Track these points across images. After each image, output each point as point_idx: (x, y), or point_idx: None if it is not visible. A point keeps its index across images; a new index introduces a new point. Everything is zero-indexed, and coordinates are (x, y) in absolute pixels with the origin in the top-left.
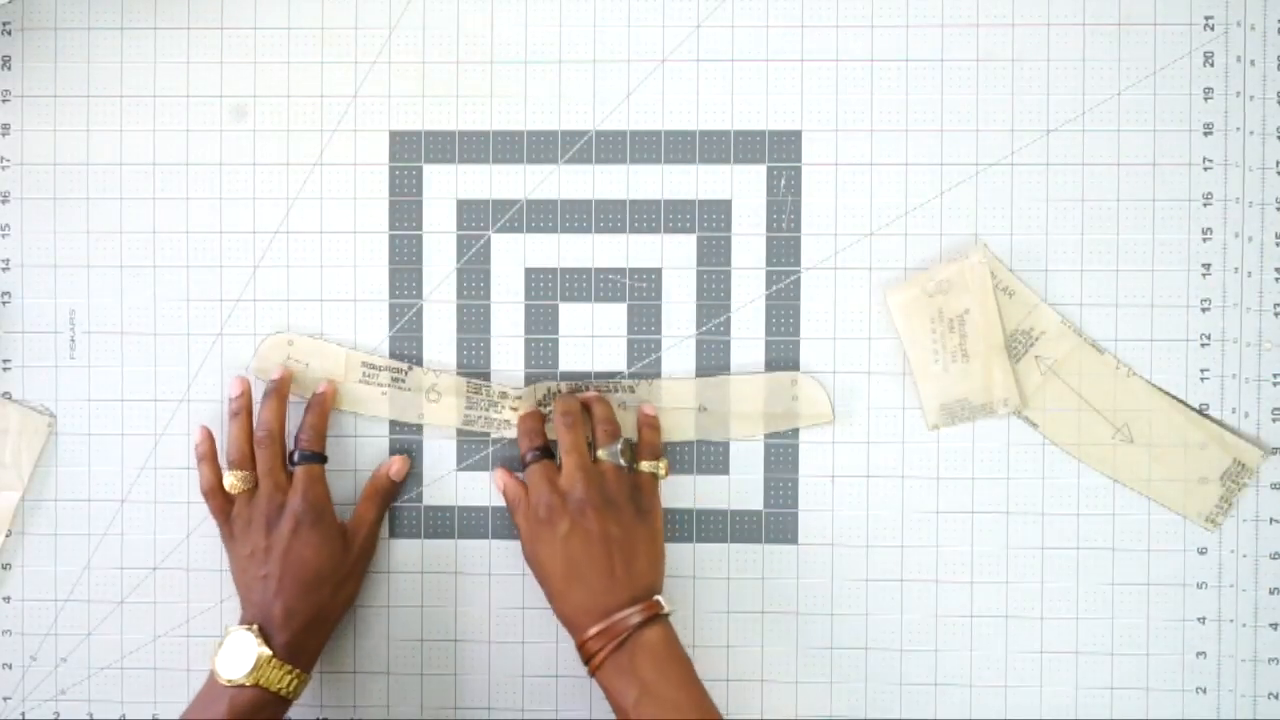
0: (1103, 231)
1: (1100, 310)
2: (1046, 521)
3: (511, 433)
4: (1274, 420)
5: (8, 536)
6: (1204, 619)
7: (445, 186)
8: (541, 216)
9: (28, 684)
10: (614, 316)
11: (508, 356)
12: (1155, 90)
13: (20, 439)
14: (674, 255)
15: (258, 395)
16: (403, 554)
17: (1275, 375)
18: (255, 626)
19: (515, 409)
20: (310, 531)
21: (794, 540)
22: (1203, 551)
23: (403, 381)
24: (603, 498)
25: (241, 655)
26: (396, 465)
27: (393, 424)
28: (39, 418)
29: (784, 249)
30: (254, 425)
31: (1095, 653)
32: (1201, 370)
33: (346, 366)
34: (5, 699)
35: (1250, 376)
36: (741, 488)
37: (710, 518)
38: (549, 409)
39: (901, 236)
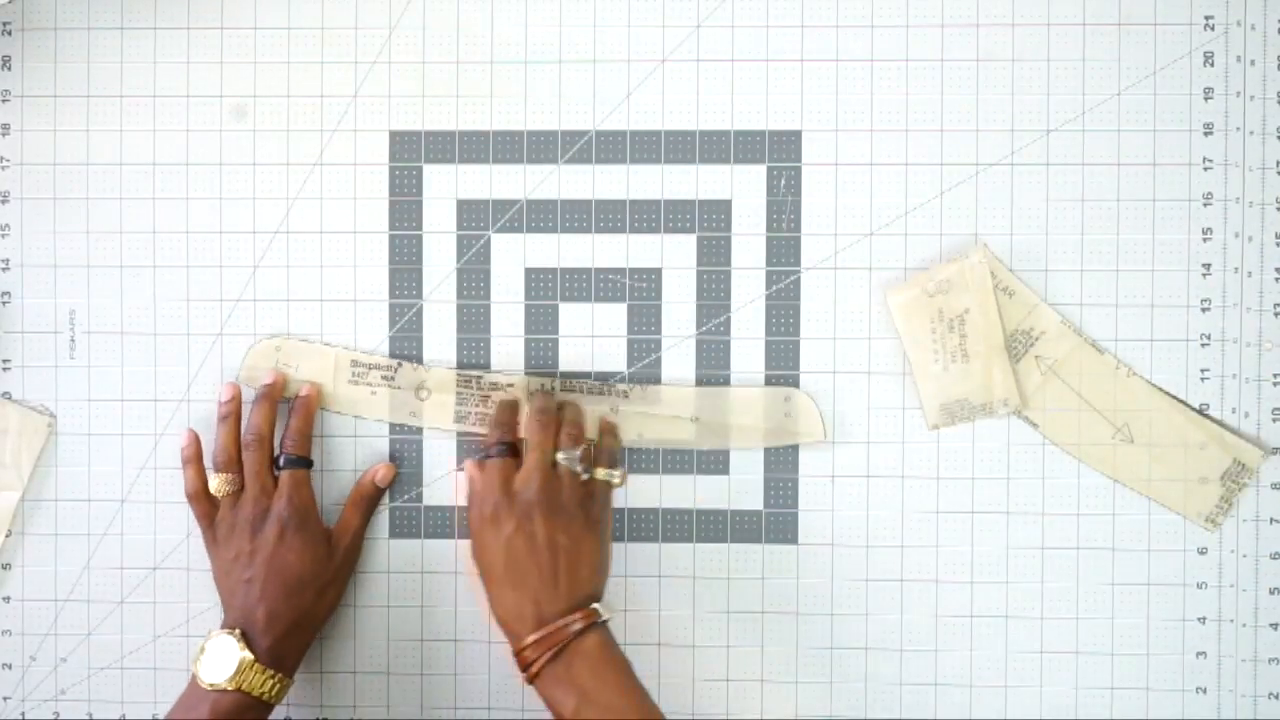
0: (1103, 231)
1: (1100, 310)
2: (1046, 521)
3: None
4: (1274, 420)
5: (8, 536)
6: (1204, 619)
7: (445, 186)
8: (541, 216)
9: (28, 684)
10: (614, 316)
11: (508, 357)
12: (1155, 90)
13: (20, 439)
14: (674, 255)
15: (248, 401)
16: (402, 554)
17: (1275, 375)
18: (238, 631)
19: None
20: (294, 536)
21: (794, 540)
22: (1203, 551)
23: (392, 380)
24: (554, 503)
25: (223, 659)
26: (382, 472)
27: (391, 424)
28: (39, 418)
29: (784, 249)
30: (243, 429)
31: (1095, 653)
32: (1201, 370)
33: (335, 367)
34: (5, 699)
35: (1250, 376)
36: (741, 488)
37: (710, 518)
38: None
39: (901, 236)
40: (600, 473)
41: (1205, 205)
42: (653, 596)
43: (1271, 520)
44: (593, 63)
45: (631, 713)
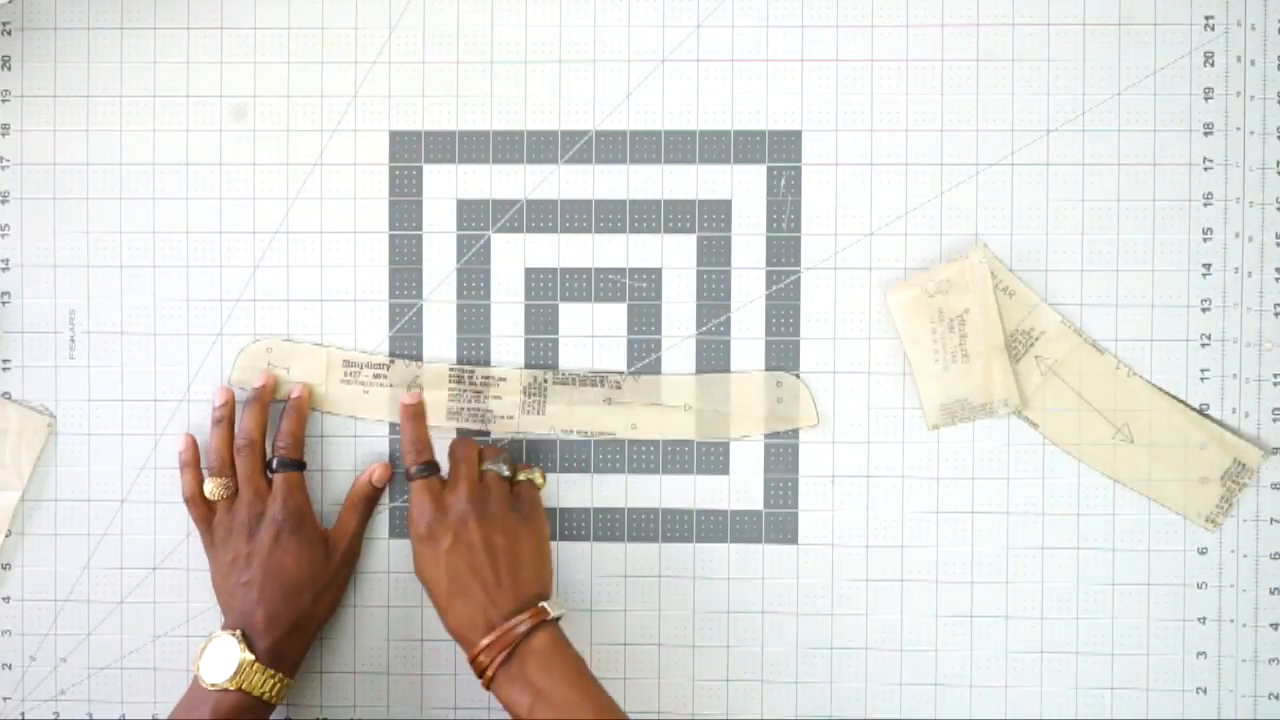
0: (1103, 231)
1: (1100, 310)
2: (1046, 521)
3: (511, 426)
4: (1274, 420)
5: (8, 536)
6: (1204, 619)
7: (445, 186)
8: (541, 216)
9: (27, 684)
10: (614, 316)
11: (508, 357)
12: (1155, 90)
13: (20, 439)
14: (674, 255)
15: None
16: (402, 554)
17: (1275, 375)
18: (238, 631)
19: (499, 397)
20: (290, 538)
21: (794, 540)
22: (1203, 551)
23: (385, 378)
24: (485, 509)
25: (224, 660)
26: (379, 472)
27: (391, 424)
28: (39, 418)
29: (784, 249)
30: (235, 432)
31: (1095, 653)
32: (1201, 370)
33: (328, 367)
34: (5, 699)
35: (1250, 376)
36: (741, 488)
37: (710, 518)
38: (532, 397)
39: (901, 236)
40: (522, 474)
41: (1205, 205)
42: (652, 596)
43: (1271, 520)
44: (593, 63)
45: (585, 707)
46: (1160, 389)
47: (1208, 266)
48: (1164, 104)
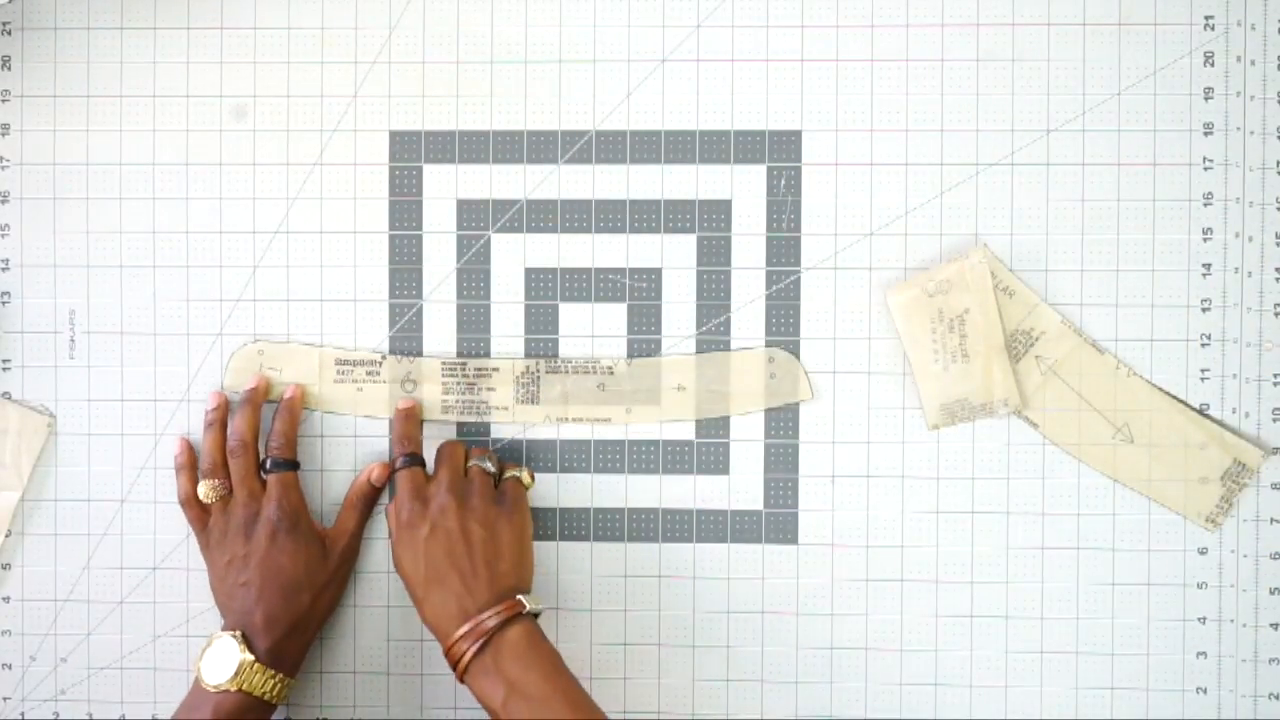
0: (1103, 231)
1: (1100, 310)
2: (1046, 521)
3: (506, 417)
4: (1274, 420)
5: (8, 536)
6: (1204, 619)
7: (445, 186)
8: (541, 216)
9: (27, 684)
10: (614, 316)
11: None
12: (1155, 90)
13: (20, 439)
14: (674, 255)
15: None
16: None
17: (1275, 375)
18: (238, 632)
19: (493, 389)
20: (286, 538)
21: (794, 540)
22: (1203, 551)
23: (378, 375)
24: (466, 500)
25: (224, 660)
26: (377, 471)
27: (390, 421)
28: (39, 418)
29: (784, 249)
30: (228, 434)
31: (1095, 653)
32: (1201, 370)
33: (320, 366)
34: (5, 699)
35: (1250, 376)
36: (741, 488)
37: (710, 518)
38: (526, 386)
39: (901, 236)
40: (509, 472)
41: (1205, 205)
42: (653, 596)
43: (1271, 520)
44: (593, 63)
45: (559, 700)
46: (1160, 389)
47: (1208, 266)
48: (1164, 104)
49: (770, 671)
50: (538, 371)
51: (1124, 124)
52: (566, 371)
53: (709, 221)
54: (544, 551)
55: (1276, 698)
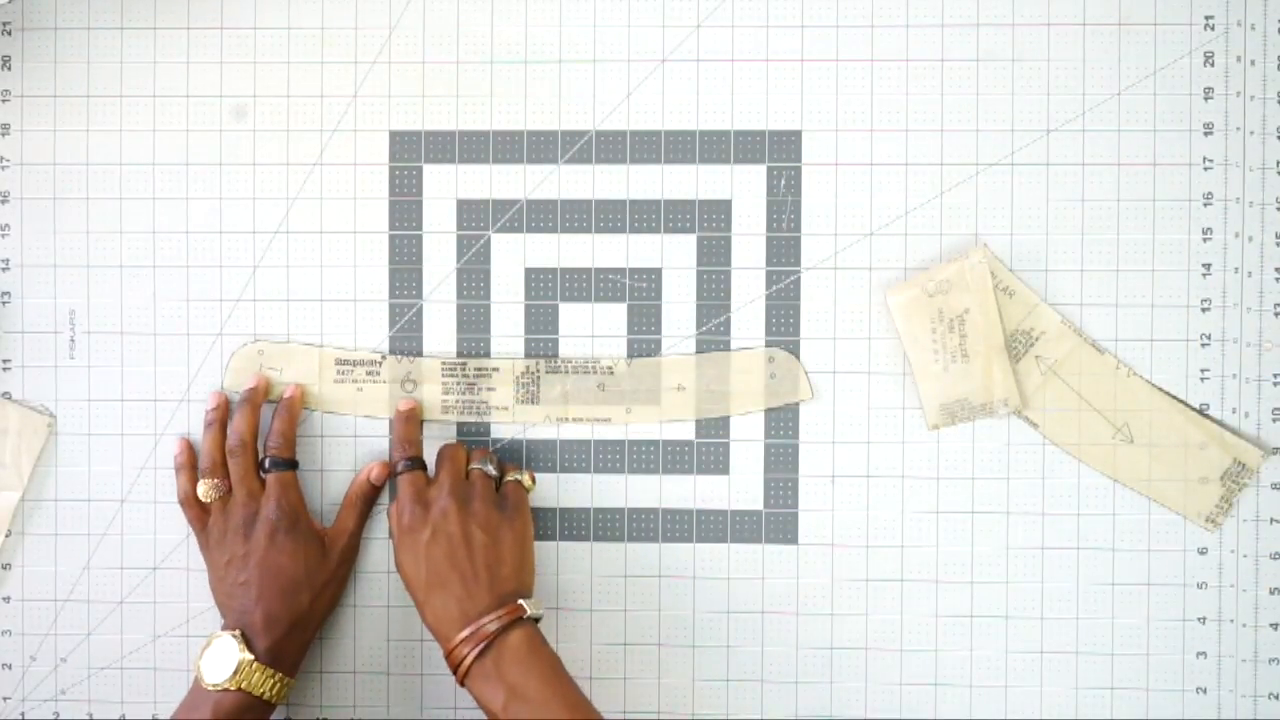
0: (1103, 231)
1: (1100, 310)
2: (1046, 521)
3: (507, 417)
4: (1274, 420)
5: (8, 536)
6: (1204, 619)
7: (445, 186)
8: (541, 216)
9: (28, 684)
10: (614, 316)
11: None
12: (1155, 90)
13: (20, 439)
14: (674, 255)
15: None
16: None
17: (1275, 375)
18: (238, 632)
19: (493, 389)
20: (285, 538)
21: (794, 540)
22: (1203, 551)
23: (378, 375)
24: (468, 503)
25: (224, 660)
26: (376, 470)
27: (390, 421)
28: (39, 418)
29: (784, 249)
30: (228, 434)
31: (1095, 653)
32: (1201, 370)
33: (320, 366)
34: (5, 699)
35: (1250, 376)
36: (741, 488)
37: (710, 518)
38: (526, 386)
39: (901, 236)
40: (511, 475)
41: (1205, 205)
42: (653, 596)
43: (1271, 520)
44: (593, 63)
45: (559, 705)
46: (1160, 389)
47: (1208, 266)
48: (1164, 104)
49: (770, 671)
50: (538, 371)
51: (1124, 124)
52: (566, 371)
53: (709, 221)
54: (544, 551)
55: (1276, 698)
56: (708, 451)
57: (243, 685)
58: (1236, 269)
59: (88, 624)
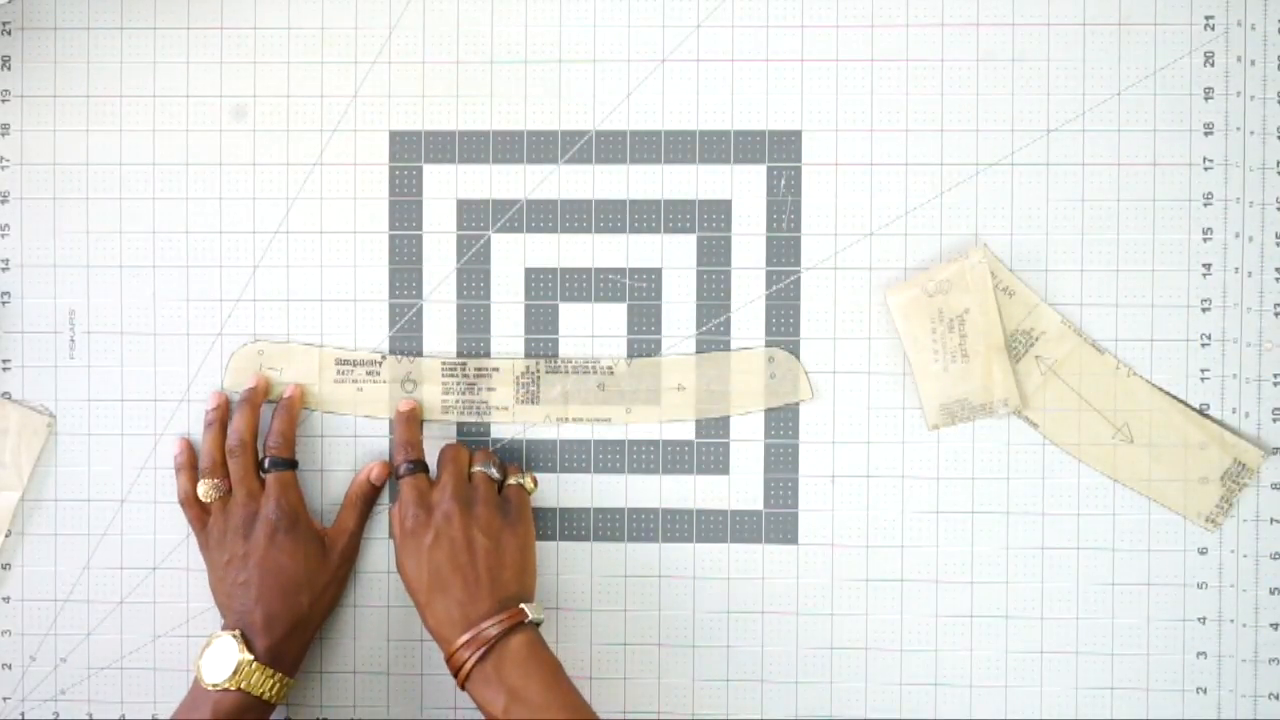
0: (1103, 231)
1: (1100, 310)
2: (1046, 521)
3: (506, 417)
4: (1274, 420)
5: (8, 536)
6: (1204, 619)
7: (445, 186)
8: (541, 216)
9: (27, 684)
10: (614, 316)
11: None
12: (1155, 90)
13: (20, 439)
14: (674, 255)
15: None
16: None
17: (1275, 375)
18: (238, 632)
19: (493, 389)
20: (285, 538)
21: (794, 540)
22: (1203, 551)
23: (378, 375)
24: (470, 507)
25: (224, 660)
26: (376, 470)
27: (390, 421)
28: (39, 418)
29: (784, 249)
30: (228, 434)
31: (1095, 653)
32: (1201, 370)
33: (320, 366)
34: (5, 699)
35: (1250, 376)
36: (741, 488)
37: (710, 518)
38: (526, 386)
39: (901, 236)
40: (512, 479)
41: (1205, 205)
42: (653, 596)
43: (1271, 520)
44: (593, 63)
45: (560, 709)
46: (1160, 389)
47: (1208, 266)
48: (1164, 104)
49: (770, 671)
50: (538, 371)
51: (1124, 124)
52: (566, 371)
53: (709, 221)
54: (544, 551)
55: (1276, 698)
56: (708, 451)
57: (242, 685)
58: (1236, 269)
59: (87, 624)
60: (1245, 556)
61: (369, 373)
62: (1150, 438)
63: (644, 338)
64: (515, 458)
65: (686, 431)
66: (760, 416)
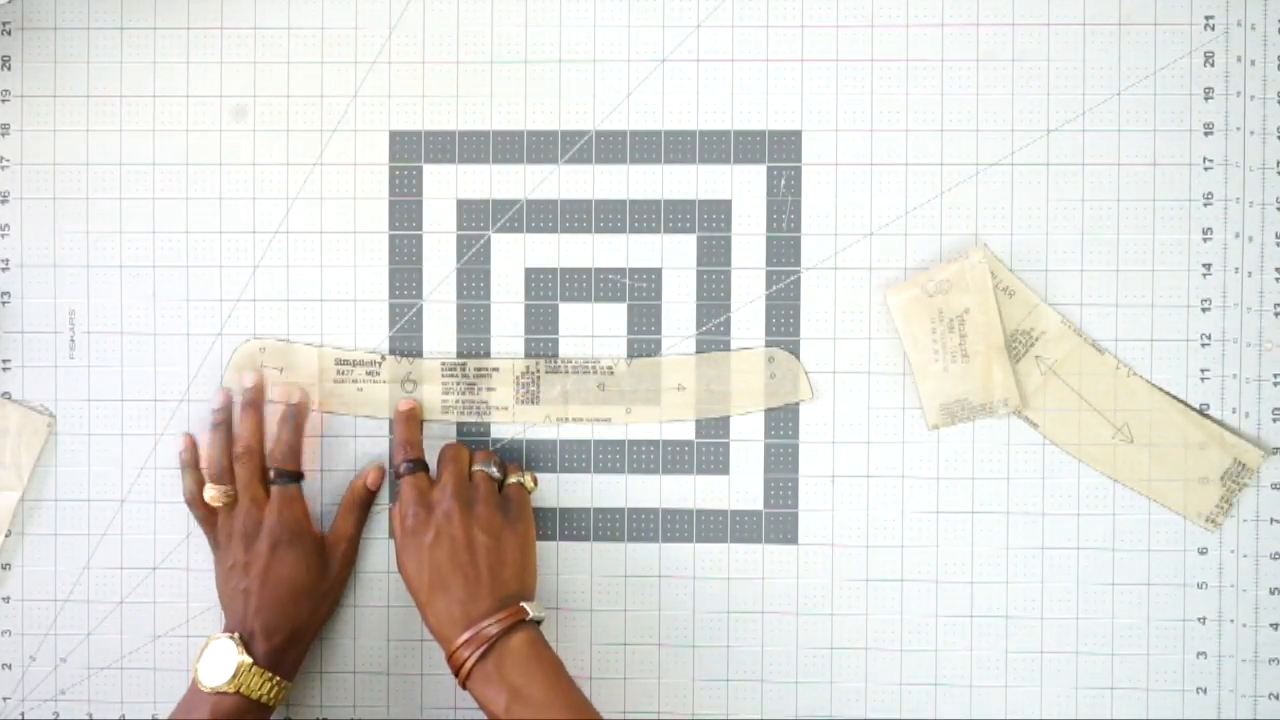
0: (1103, 231)
1: (1100, 310)
2: (1046, 521)
3: (507, 417)
4: (1274, 420)
5: (8, 536)
6: (1204, 619)
7: (445, 186)
8: (541, 216)
9: (27, 684)
10: (614, 316)
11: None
12: (1155, 90)
13: (20, 439)
14: (674, 255)
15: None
16: None
17: (1275, 375)
18: (236, 635)
19: (493, 389)
20: (287, 550)
21: (794, 540)
22: (1203, 551)
23: (378, 375)
24: (471, 505)
25: (222, 663)
26: (372, 475)
27: (391, 422)
28: (39, 418)
29: (784, 249)
30: (234, 439)
31: (1095, 653)
32: (1201, 370)
33: (320, 366)
34: (5, 699)
35: (1250, 376)
36: (741, 488)
37: (710, 518)
38: (526, 386)
39: (901, 236)
40: (513, 477)
41: (1205, 205)
42: (653, 596)
43: (1271, 520)
44: (593, 63)
45: (561, 707)
46: (1160, 389)
47: (1208, 266)
48: (1164, 104)
49: (770, 671)
50: (538, 371)
51: (1124, 124)
52: (566, 371)
53: (709, 221)
54: (544, 551)
55: (1276, 698)
56: (708, 451)
57: (241, 688)
58: (1236, 269)
59: (87, 624)
60: (1245, 556)
61: (369, 373)
62: (1150, 438)
63: (644, 338)
64: (515, 458)
65: (686, 431)
66: (760, 416)
